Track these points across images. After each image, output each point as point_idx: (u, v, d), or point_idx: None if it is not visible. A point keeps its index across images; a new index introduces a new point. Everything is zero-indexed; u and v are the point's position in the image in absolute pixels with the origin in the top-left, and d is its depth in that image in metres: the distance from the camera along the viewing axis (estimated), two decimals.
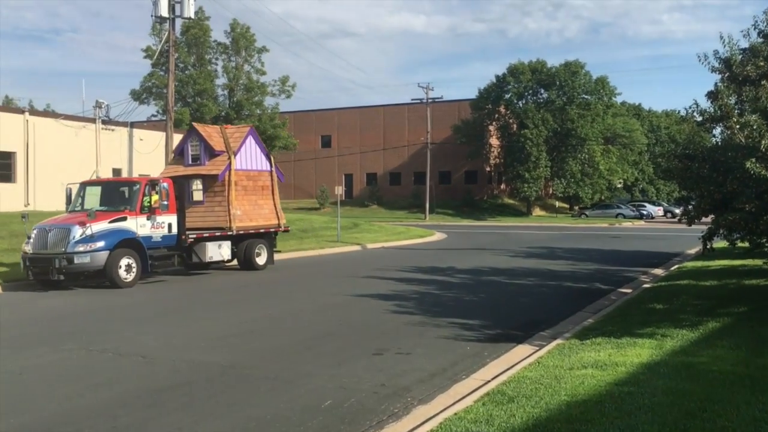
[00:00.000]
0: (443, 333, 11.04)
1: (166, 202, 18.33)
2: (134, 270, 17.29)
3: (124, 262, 17.07)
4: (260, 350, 10.00)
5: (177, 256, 19.20)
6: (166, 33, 34.78)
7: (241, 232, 20.67)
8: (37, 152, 35.12)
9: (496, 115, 66.78)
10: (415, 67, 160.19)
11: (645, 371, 7.98)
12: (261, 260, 21.46)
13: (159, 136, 40.70)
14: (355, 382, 8.16)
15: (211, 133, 21.15)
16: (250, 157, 21.34)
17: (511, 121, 66.48)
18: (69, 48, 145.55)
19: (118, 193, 18.64)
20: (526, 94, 65.76)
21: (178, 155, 21.56)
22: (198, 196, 20.54)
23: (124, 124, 41.59)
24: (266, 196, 21.98)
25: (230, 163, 20.30)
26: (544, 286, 17.35)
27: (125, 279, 17.05)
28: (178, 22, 40.13)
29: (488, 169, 70.79)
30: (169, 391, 7.89)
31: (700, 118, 12.82)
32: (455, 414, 6.63)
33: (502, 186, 73.00)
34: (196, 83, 54.23)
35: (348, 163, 75.61)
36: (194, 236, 19.49)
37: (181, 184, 20.10)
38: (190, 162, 20.87)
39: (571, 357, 8.79)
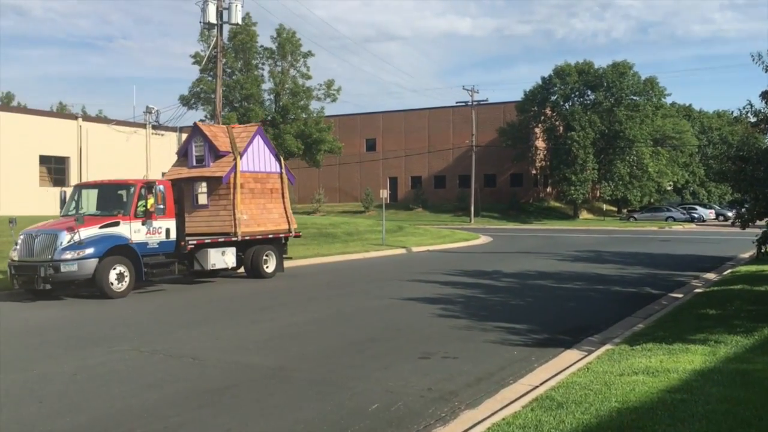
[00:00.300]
0: (490, 337, 10.97)
1: (162, 206, 16.95)
2: (127, 279, 16.08)
3: (115, 270, 15.85)
4: (307, 353, 10.06)
5: (177, 264, 17.90)
6: (214, 39, 35.35)
7: (247, 237, 19.46)
8: (89, 157, 36.03)
9: (542, 118, 66.13)
10: (460, 70, 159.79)
11: (698, 378, 7.80)
12: (269, 268, 20.19)
13: None
14: (401, 385, 8.15)
15: (217, 132, 20.00)
16: (258, 158, 20.19)
17: (557, 123, 65.77)
18: (120, 54, 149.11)
19: (113, 197, 17.39)
20: (572, 95, 64.98)
21: (182, 156, 20.38)
22: (202, 199, 19.41)
23: (173, 129, 42.42)
24: (275, 200, 20.72)
25: (236, 165, 19.16)
26: (592, 291, 17.11)
27: (117, 288, 15.85)
28: (226, 28, 40.78)
29: (534, 171, 70.13)
30: (217, 392, 7.99)
31: (754, 119, 12.53)
32: (503, 419, 6.58)
33: (548, 189, 72.24)
34: (243, 88, 54.97)
35: (393, 166, 75.70)
36: (194, 242, 18.26)
37: (185, 187, 19.22)
38: (194, 163, 19.75)
39: (621, 363, 8.64)
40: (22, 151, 32.99)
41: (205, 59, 48.57)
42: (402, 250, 30.86)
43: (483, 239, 38.39)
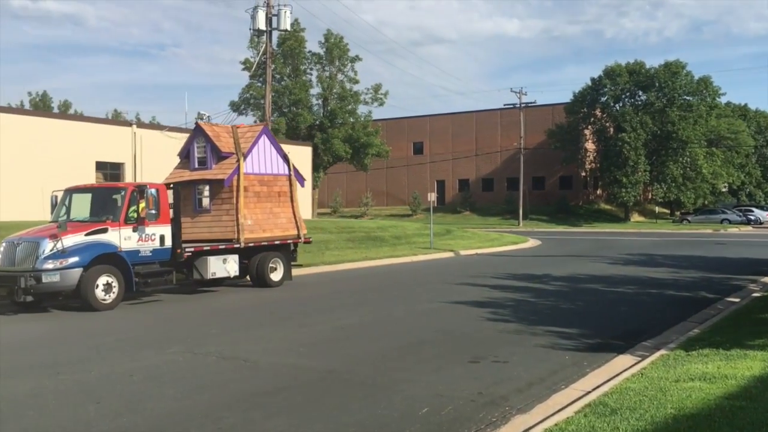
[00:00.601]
0: (540, 341, 10.86)
1: (154, 211, 15.81)
2: (115, 290, 14.91)
3: (101, 280, 14.67)
4: (356, 356, 10.11)
5: (174, 273, 16.70)
6: (264, 45, 35.84)
7: (251, 244, 18.29)
8: (144, 163, 36.83)
9: (592, 119, 65.26)
10: (507, 72, 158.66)
11: (757, 384, 7.60)
12: (276, 276, 18.90)
13: None
14: (451, 389, 8.13)
15: (220, 132, 18.95)
16: (264, 159, 19.11)
17: (607, 124, 64.82)
18: (172, 62, 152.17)
19: (105, 202, 16.19)
20: (623, 96, 64.00)
21: (184, 158, 19.21)
22: (205, 203, 18.44)
23: None
24: (283, 203, 19.55)
25: (239, 166, 18.13)
26: (644, 295, 16.80)
27: (103, 300, 14.68)
28: (275, 34, 41.30)
29: (583, 174, 69.20)
30: (270, 395, 8.09)
31: None
32: (556, 425, 6.51)
33: (599, 191, 71.21)
34: (291, 93, 55.55)
35: (440, 169, 75.57)
36: (192, 249, 17.04)
37: (187, 191, 18.41)
38: (196, 165, 18.70)
39: (676, 369, 8.47)
40: (80, 157, 33.84)
41: (255, 65, 49.27)
42: (450, 254, 30.77)
43: (532, 242, 38.04)
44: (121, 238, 15.35)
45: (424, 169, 76.28)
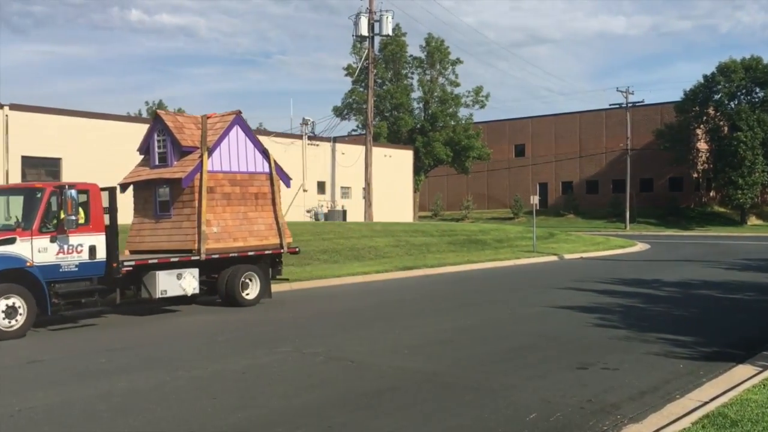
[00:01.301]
0: (652, 349, 10.50)
1: (73, 217, 12.65)
2: (22, 313, 12.18)
3: (1, 303, 12.01)
4: (461, 359, 10.09)
5: (118, 291, 14.03)
6: (366, 51, 36.35)
7: (215, 255, 15.27)
8: None
9: (704, 118, 62.50)
10: (613, 71, 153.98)
11: None
12: (249, 293, 15.86)
13: (359, 150, 42.55)
14: (559, 396, 7.99)
15: (184, 123, 16.15)
16: (237, 154, 16.20)
17: (721, 123, 61.92)
18: (278, 70, 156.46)
19: (24, 205, 13.33)
20: (738, 94, 60.97)
21: (145, 153, 16.55)
22: (166, 207, 15.75)
23: (327, 139, 43.94)
24: (262, 207, 16.49)
25: (201, 163, 15.32)
26: (764, 302, 15.95)
27: (7, 328, 11.99)
28: (377, 40, 41.88)
29: (695, 175, 66.32)
30: (377, 395, 8.20)
31: None
32: None
33: (712, 193, 68.05)
34: (393, 98, 56.03)
35: (542, 171, 74.28)
36: (133, 263, 14.01)
37: (148, 192, 16.06)
38: (156, 163, 16.07)
39: None
40: None
41: (357, 71, 50.04)
42: (554, 257, 30.19)
43: (640, 246, 36.79)
44: (34, 249, 12.51)
45: (526, 171, 75.18)
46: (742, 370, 9.13)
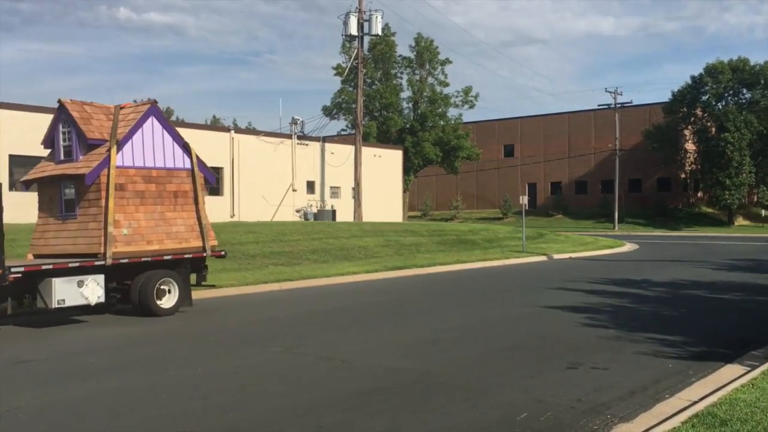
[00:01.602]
0: (641, 349, 10.54)
1: None
2: None
3: None
4: (452, 359, 10.10)
5: (9, 300, 12.54)
6: (356, 50, 36.33)
7: (124, 260, 13.81)
8: (241, 167, 38.01)
9: (692, 119, 62.94)
10: (602, 72, 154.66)
11: None
12: (166, 302, 14.33)
13: (348, 150, 42.57)
14: (550, 395, 8.01)
15: (92, 114, 14.54)
16: (153, 148, 14.70)
17: (708, 124, 62.37)
18: (267, 69, 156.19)
19: None
20: (726, 95, 61.46)
21: (50, 146, 15.10)
22: (71, 206, 14.32)
23: (316, 139, 43.91)
24: (182, 207, 15.05)
25: (108, 158, 13.81)
26: (752, 302, 16.05)
27: None
28: (366, 40, 41.85)
29: (683, 176, 66.74)
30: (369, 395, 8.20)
31: None
32: None
33: (699, 194, 68.50)
34: (382, 97, 56.09)
35: (531, 172, 74.53)
36: (22, 269, 12.39)
37: (53, 189, 14.64)
38: (61, 157, 14.59)
39: None
40: None
41: (347, 70, 50.03)
42: (543, 257, 30.28)
43: (628, 246, 36.97)
44: None
45: (515, 171, 75.40)
46: (731, 370, 9.19)
